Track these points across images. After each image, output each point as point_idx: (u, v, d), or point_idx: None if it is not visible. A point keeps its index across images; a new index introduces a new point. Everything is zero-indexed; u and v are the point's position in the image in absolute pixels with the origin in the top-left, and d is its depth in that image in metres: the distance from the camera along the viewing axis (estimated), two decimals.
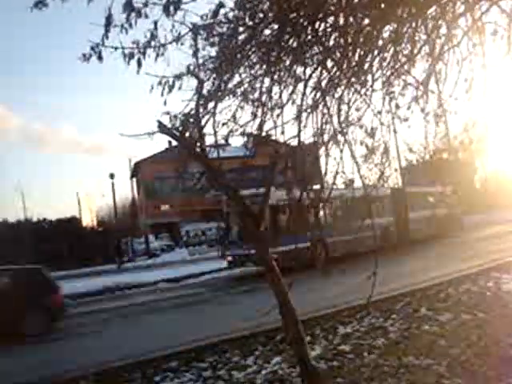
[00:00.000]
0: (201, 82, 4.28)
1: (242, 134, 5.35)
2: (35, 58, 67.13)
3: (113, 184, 36.51)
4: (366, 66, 5.28)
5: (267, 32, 4.85)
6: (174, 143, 5.06)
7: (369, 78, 5.62)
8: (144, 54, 4.01)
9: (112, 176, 35.48)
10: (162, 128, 4.12)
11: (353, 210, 20.74)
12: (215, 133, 4.61)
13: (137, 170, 47.72)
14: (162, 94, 4.09)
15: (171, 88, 4.10)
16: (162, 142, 23.03)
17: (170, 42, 3.98)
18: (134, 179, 50.67)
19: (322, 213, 19.33)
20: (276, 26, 4.77)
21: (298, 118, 4.79)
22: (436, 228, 25.98)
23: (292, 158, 5.55)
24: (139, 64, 3.99)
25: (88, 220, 50.32)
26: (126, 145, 79.28)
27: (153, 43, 4.03)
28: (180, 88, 4.19)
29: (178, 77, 4.15)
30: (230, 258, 20.53)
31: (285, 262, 17.24)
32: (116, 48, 4.09)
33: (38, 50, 67.17)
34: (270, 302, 4.99)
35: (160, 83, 4.11)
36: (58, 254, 35.64)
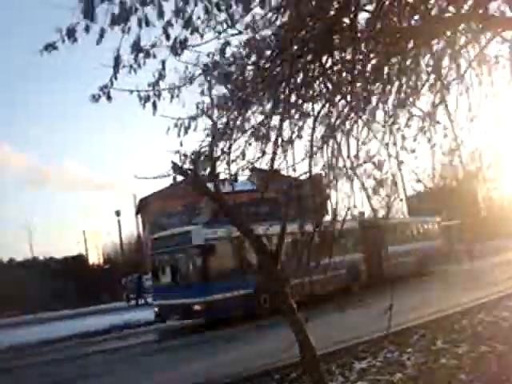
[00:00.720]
0: (214, 123, 4.32)
1: (251, 169, 5.35)
2: (38, 89, 67.90)
3: (119, 221, 36.53)
4: (374, 99, 5.30)
5: (273, 68, 4.91)
6: (179, 179, 5.08)
7: (376, 111, 5.65)
8: (159, 96, 4.05)
9: (118, 213, 35.55)
10: (176, 169, 4.13)
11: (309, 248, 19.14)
12: (230, 173, 4.64)
13: (142, 206, 47.73)
14: (179, 135, 4.14)
15: (187, 129, 4.14)
16: (166, 178, 22.86)
17: (184, 84, 4.03)
18: (139, 215, 50.65)
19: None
20: (283, 62, 4.82)
21: (309, 155, 4.80)
22: (419, 263, 23.83)
23: (303, 191, 5.55)
24: (154, 106, 4.03)
25: (94, 257, 50.23)
26: (130, 181, 79.53)
27: (166, 85, 4.09)
28: (195, 129, 4.23)
29: (193, 118, 4.19)
30: (156, 309, 17.82)
31: (216, 313, 15.64)
32: (132, 91, 4.13)
33: (42, 84, 68.02)
34: (287, 338, 4.90)
35: (176, 125, 4.15)
36: (65, 293, 35.49)
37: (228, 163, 4.63)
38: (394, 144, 5.85)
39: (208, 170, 4.42)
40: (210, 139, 4.34)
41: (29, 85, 65.37)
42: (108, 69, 4.39)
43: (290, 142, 5.20)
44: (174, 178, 4.63)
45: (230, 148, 4.59)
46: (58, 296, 34.68)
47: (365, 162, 5.21)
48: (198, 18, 4.54)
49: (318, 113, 4.93)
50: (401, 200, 7.77)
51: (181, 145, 4.22)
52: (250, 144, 5.03)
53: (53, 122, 71.36)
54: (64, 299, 34.50)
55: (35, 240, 42.30)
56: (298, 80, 4.77)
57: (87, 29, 4.29)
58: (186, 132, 4.18)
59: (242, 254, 16.80)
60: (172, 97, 4.08)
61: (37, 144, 68.63)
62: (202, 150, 4.35)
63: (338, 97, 4.97)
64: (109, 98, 4.55)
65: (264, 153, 5.03)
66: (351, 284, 18.80)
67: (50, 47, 4.29)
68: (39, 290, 34.30)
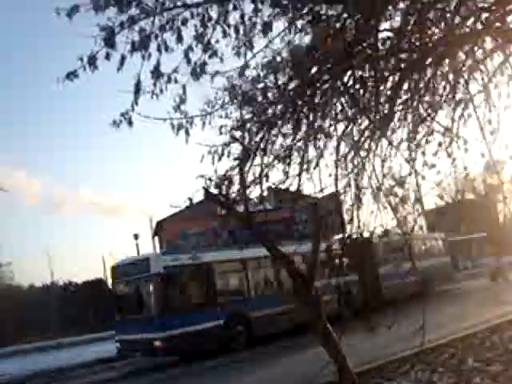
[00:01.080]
0: (244, 147, 4.32)
1: (273, 190, 5.32)
2: (51, 120, 68.89)
3: (137, 245, 36.57)
4: (396, 117, 5.26)
5: (294, 88, 4.89)
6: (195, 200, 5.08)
7: (397, 128, 5.61)
8: (191, 123, 4.04)
9: (136, 237, 35.59)
10: (208, 195, 4.13)
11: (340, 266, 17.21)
12: (262, 194, 4.62)
13: (159, 228, 47.80)
14: (213, 163, 4.14)
15: (221, 156, 4.14)
16: (182, 200, 22.53)
17: (216, 110, 4.04)
18: (156, 238, 50.67)
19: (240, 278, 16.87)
20: (303, 82, 4.80)
21: (335, 175, 4.76)
22: (424, 282, 19.76)
23: (323, 210, 5.50)
24: (187, 133, 4.02)
25: None
26: (145, 204, 79.83)
27: (188, 109, 4.09)
28: (229, 155, 4.23)
29: (227, 145, 4.20)
30: (118, 345, 15.98)
31: (181, 349, 14.24)
32: (165, 119, 4.14)
33: (54, 112, 68.99)
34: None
35: (210, 152, 4.16)
36: (84, 317, 35.49)
37: (261, 185, 4.61)
38: (414, 160, 5.81)
39: (234, 193, 4.40)
40: (235, 163, 4.33)
41: (42, 115, 66.27)
42: (120, 96, 4.43)
43: (308, 161, 5.17)
44: (191, 200, 4.63)
45: (262, 173, 4.57)
46: (78, 320, 34.71)
47: (393, 186, 5.12)
48: (217, 41, 4.58)
49: (343, 132, 4.89)
50: (419, 215, 7.73)
51: (215, 172, 4.22)
52: (273, 166, 4.99)
53: (66, 147, 72.13)
54: (85, 323, 34.51)
55: (54, 265, 42.43)
56: (320, 100, 4.75)
57: (108, 56, 4.34)
58: (219, 159, 4.18)
59: (209, 282, 15.85)
60: (204, 123, 4.08)
61: (50, 169, 69.27)
62: (228, 173, 4.34)
63: (361, 116, 4.93)
64: (130, 123, 4.58)
65: (287, 174, 4.99)
66: (343, 310, 15.86)
67: (72, 75, 4.35)
68: (59, 315, 34.37)
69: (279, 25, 4.61)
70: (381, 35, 4.77)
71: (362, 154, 5.05)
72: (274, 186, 5.05)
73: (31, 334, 32.44)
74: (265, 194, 5.16)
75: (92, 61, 4.34)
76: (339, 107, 4.86)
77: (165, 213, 46.23)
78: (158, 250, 48.96)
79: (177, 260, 15.26)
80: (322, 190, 4.95)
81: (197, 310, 14.95)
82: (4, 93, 59.71)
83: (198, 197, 4.24)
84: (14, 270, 40.69)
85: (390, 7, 4.14)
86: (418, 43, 4.85)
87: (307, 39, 4.39)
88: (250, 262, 16.86)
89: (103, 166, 74.39)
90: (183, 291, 15.32)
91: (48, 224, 68.31)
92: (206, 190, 4.15)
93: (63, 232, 71.28)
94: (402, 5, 4.13)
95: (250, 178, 4.66)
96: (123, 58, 4.42)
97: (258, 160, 4.76)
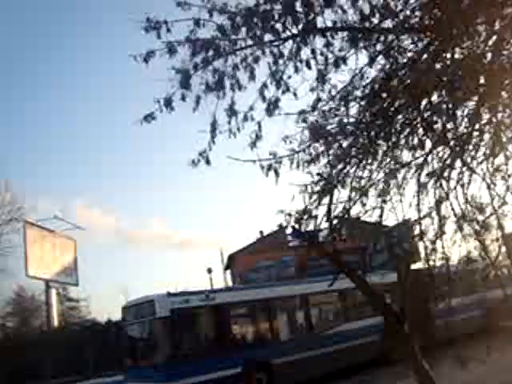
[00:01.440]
0: (328, 181, 4.32)
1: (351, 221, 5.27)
2: (125, 159, 71.50)
3: (211, 279, 37.11)
4: (474, 142, 5.09)
5: (369, 120, 4.86)
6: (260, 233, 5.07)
7: (478, 157, 5.41)
8: (280, 163, 4.10)
9: (209, 270, 36.13)
10: (296, 233, 4.17)
11: (319, 311, 15.71)
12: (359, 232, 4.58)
13: (231, 261, 48.22)
14: (304, 202, 4.17)
15: (312, 194, 4.18)
16: (252, 234, 22.95)
17: (301, 150, 4.08)
18: (229, 271, 51.10)
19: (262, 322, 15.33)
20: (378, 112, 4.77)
21: (416, 205, 4.65)
22: (488, 317, 18.98)
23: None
24: (277, 174, 4.06)
25: None
26: (216, 237, 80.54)
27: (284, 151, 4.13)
28: (326, 195, 4.25)
29: (315, 183, 4.23)
30: None
31: None
32: (254, 161, 4.21)
33: (128, 152, 71.78)
34: None
35: (301, 191, 4.21)
36: None
37: (348, 217, 4.58)
38: (495, 185, 5.59)
39: (310, 227, 4.40)
40: (315, 197, 4.34)
41: (104, 155, 69.09)
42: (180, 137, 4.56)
43: (390, 192, 5.08)
44: (262, 233, 4.66)
45: (349, 206, 4.55)
46: None
47: (475, 213, 4.93)
48: (289, 77, 4.63)
49: (424, 160, 4.78)
50: (496, 240, 7.43)
51: (305, 209, 4.22)
52: (352, 199, 4.92)
53: (138, 186, 74.58)
54: None
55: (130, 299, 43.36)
56: (396, 131, 4.69)
57: (183, 97, 4.49)
58: (310, 197, 4.21)
59: (224, 326, 14.54)
60: (292, 162, 4.13)
61: (124, 207, 71.79)
62: (308, 208, 4.35)
63: (439, 145, 4.82)
64: (207, 162, 4.68)
65: (365, 205, 4.93)
66: (387, 351, 14.42)
67: (149, 117, 4.53)
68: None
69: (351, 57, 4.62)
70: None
71: (443, 182, 4.91)
72: (351, 217, 5.00)
73: (110, 368, 33.15)
74: (345, 227, 5.12)
75: (168, 102, 4.49)
76: (416, 138, 4.77)
77: (236, 246, 46.67)
78: (230, 283, 49.40)
79: (186, 302, 13.93)
80: (404, 221, 4.85)
81: (209, 357, 13.48)
82: (81, 132, 63.11)
83: (270, 230, 4.30)
84: (91, 305, 41.94)
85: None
86: (494, 64, 4.71)
87: (381, 70, 4.37)
88: (272, 302, 15.54)
89: (171, 203, 76.30)
90: (193, 336, 14.12)
91: (122, 259, 70.63)
92: (294, 229, 4.17)
93: (137, 266, 73.38)
94: (480, 28, 4.04)
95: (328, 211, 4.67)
96: (198, 99, 4.54)
97: (337, 193, 4.76)
